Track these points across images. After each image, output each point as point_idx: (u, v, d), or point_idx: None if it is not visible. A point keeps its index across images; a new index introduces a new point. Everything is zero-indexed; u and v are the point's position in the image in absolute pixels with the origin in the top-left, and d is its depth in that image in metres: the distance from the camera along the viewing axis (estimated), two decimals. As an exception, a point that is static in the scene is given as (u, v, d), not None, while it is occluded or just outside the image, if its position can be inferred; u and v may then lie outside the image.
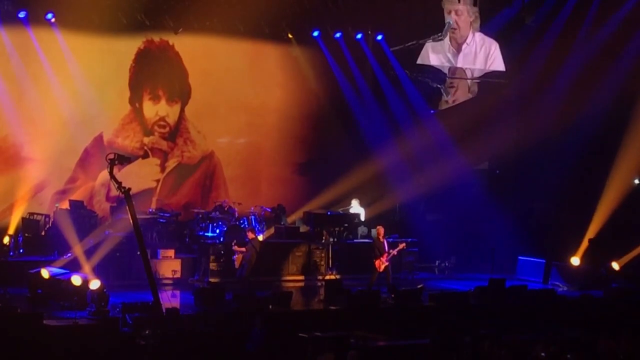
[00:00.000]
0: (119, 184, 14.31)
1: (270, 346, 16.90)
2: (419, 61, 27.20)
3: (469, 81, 28.07)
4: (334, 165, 26.41)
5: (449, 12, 27.26)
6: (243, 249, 20.95)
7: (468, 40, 27.57)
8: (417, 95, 27.46)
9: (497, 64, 27.81)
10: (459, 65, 27.75)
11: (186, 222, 24.63)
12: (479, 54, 27.69)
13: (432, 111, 27.87)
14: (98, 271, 19.67)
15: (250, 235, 21.32)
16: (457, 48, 27.55)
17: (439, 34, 27.17)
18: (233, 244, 21.33)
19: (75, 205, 23.55)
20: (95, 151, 24.79)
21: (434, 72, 27.63)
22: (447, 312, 19.91)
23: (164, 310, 16.71)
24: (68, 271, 19.36)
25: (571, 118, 25.53)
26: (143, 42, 25.38)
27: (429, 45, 27.17)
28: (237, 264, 21.33)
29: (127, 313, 17.57)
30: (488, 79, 27.91)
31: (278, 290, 21.46)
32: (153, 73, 25.60)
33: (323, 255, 23.96)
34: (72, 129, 24.47)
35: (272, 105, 27.00)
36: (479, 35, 27.64)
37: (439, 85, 27.79)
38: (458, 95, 28.11)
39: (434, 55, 27.35)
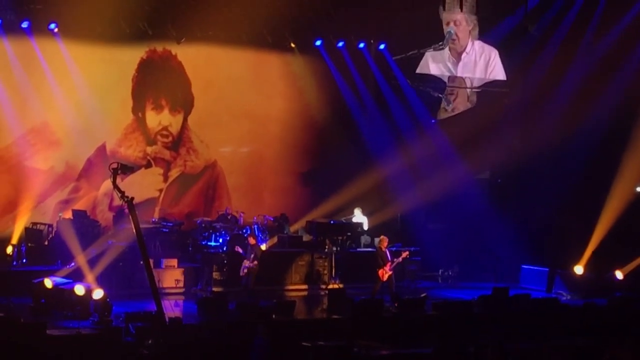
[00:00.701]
0: (122, 193, 14.29)
1: (273, 355, 16.86)
2: (418, 70, 27.20)
3: (468, 90, 28.06)
4: (337, 174, 26.37)
5: (447, 23, 27.28)
6: (255, 263, 20.97)
7: (467, 49, 27.57)
8: (420, 104, 27.46)
9: (498, 71, 27.80)
10: (459, 74, 27.75)
11: (189, 232, 24.62)
12: (479, 62, 27.69)
13: (433, 120, 27.87)
14: (101, 281, 19.71)
15: (252, 241, 21.35)
16: (457, 57, 27.56)
17: (441, 43, 27.20)
18: (245, 261, 21.25)
19: (79, 215, 23.58)
20: (98, 161, 24.81)
21: (435, 82, 27.65)
22: (450, 321, 19.86)
23: (167, 320, 16.72)
24: (71, 281, 19.38)
25: (574, 126, 25.47)
26: (146, 51, 25.42)
27: (429, 55, 27.19)
28: (242, 272, 21.29)
29: (130, 323, 17.54)
30: (490, 88, 27.92)
31: (281, 299, 21.43)
32: (156, 82, 25.63)
33: (326, 264, 23.93)
34: (75, 138, 24.52)
35: (274, 114, 27.01)
36: (478, 44, 27.64)
37: (440, 95, 27.79)
38: (457, 104, 28.08)
39: (433, 64, 27.37)
